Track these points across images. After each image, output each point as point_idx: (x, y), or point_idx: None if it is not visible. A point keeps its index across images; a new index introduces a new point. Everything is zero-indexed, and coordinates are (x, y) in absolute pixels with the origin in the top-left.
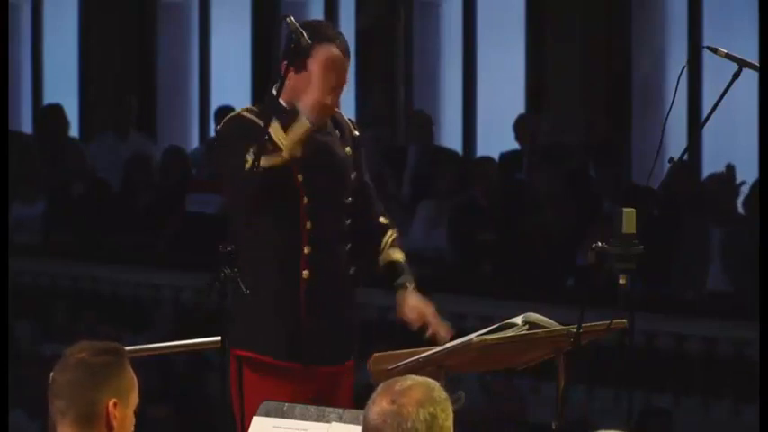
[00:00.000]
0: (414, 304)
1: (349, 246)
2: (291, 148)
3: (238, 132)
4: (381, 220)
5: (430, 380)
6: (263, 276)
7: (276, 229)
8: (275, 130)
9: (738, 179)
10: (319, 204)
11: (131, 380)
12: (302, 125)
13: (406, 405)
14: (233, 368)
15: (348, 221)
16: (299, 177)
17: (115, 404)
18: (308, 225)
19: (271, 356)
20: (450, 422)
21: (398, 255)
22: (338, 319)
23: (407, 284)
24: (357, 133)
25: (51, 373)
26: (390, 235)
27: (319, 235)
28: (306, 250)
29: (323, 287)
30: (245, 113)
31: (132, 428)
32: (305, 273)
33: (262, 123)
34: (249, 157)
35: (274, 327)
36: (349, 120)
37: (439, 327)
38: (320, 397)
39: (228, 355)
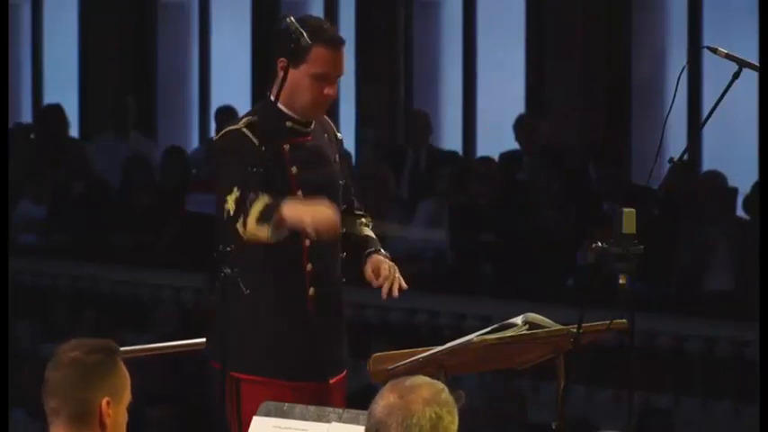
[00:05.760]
0: (375, 263)
1: (344, 254)
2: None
3: (236, 160)
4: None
5: (438, 382)
6: (263, 298)
7: (275, 249)
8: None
9: (739, 179)
10: None
11: (124, 378)
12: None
13: (413, 401)
14: (228, 387)
15: (343, 230)
16: (299, 194)
17: (108, 403)
18: (307, 242)
19: (285, 378)
20: (455, 427)
21: (372, 233)
22: (339, 328)
23: (379, 250)
24: (340, 136)
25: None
26: (367, 217)
27: (319, 250)
28: (308, 267)
29: (326, 301)
30: (244, 130)
31: (125, 426)
32: (311, 290)
33: (257, 143)
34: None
35: (290, 347)
36: (332, 124)
37: (391, 279)
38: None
39: (227, 373)
